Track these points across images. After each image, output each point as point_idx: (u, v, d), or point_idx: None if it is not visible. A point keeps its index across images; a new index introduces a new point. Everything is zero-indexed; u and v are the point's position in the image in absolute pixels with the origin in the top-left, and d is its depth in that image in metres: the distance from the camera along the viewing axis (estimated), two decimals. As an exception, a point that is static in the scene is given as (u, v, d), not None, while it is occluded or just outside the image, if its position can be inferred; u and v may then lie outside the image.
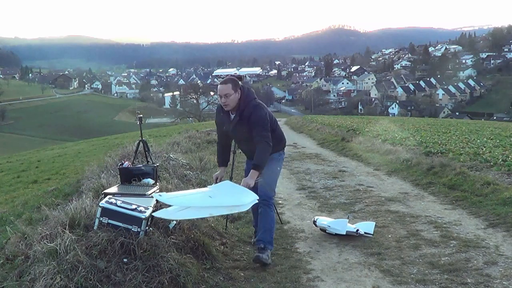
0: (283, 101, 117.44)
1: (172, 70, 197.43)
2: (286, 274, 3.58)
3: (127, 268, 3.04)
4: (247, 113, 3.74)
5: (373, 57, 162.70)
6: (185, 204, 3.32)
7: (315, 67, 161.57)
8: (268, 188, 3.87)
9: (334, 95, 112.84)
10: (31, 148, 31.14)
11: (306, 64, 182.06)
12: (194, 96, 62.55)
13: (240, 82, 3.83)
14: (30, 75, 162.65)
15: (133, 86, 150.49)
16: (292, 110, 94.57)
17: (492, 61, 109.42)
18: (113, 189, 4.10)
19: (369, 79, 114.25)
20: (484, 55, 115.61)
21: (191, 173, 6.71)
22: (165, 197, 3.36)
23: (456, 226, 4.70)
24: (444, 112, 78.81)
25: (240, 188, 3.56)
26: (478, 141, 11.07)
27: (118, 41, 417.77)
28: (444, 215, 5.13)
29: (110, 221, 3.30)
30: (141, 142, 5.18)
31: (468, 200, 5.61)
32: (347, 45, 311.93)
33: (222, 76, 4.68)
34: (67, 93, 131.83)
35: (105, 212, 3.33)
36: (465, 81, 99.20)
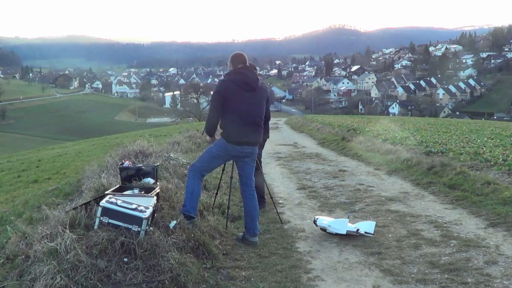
0: (283, 100, 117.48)
1: (172, 70, 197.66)
2: (287, 273, 3.58)
3: (127, 268, 3.04)
4: None
5: (373, 56, 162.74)
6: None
7: (315, 67, 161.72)
8: (197, 160, 4.43)
9: (335, 95, 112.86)
10: (31, 148, 31.18)
11: (307, 63, 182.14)
12: (194, 96, 62.66)
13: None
14: (31, 74, 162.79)
15: (134, 85, 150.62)
16: (293, 110, 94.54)
17: (492, 61, 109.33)
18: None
19: (369, 78, 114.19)
20: (484, 55, 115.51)
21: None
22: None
23: (456, 225, 4.70)
24: (444, 112, 78.77)
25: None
26: (479, 140, 11.06)
27: (118, 41, 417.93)
28: (445, 215, 5.13)
29: (110, 220, 3.30)
30: None
31: (469, 200, 5.60)
32: (347, 45, 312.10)
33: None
34: (67, 93, 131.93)
35: (106, 211, 3.33)
36: (466, 80, 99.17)
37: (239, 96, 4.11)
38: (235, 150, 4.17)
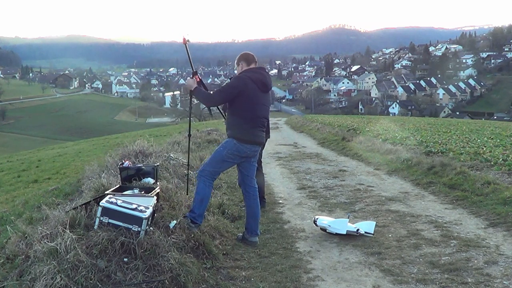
0: (283, 100, 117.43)
1: (172, 70, 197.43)
2: (287, 273, 3.58)
3: (127, 268, 3.04)
4: None
5: (373, 56, 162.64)
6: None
7: (315, 67, 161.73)
8: (205, 163, 4.34)
9: (335, 95, 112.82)
10: (31, 148, 31.20)
11: (307, 63, 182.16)
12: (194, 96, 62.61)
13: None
14: (31, 74, 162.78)
15: (134, 85, 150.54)
16: (293, 110, 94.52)
17: (492, 61, 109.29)
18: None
19: (369, 78, 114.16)
20: (484, 55, 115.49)
21: (191, 172, 6.70)
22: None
23: (456, 225, 4.70)
24: (444, 112, 78.76)
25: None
26: (479, 140, 11.07)
27: (118, 41, 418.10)
28: (445, 215, 5.13)
29: (110, 220, 3.30)
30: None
31: (469, 200, 5.61)
32: (347, 45, 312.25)
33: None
34: (67, 93, 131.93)
35: (106, 211, 3.33)
36: (466, 80, 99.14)
37: (255, 96, 4.08)
38: (247, 149, 4.12)
